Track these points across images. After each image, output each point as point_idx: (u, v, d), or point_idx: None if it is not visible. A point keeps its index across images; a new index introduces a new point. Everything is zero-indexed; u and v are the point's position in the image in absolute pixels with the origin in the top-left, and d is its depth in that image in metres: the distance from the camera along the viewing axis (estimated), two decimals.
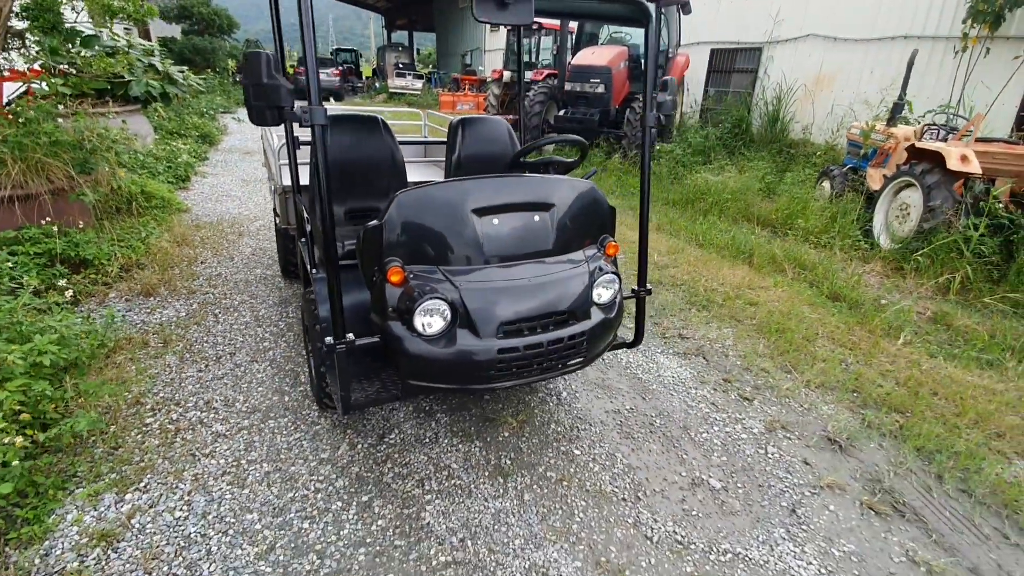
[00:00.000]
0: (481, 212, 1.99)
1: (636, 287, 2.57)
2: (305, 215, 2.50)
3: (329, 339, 1.82)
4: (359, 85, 25.55)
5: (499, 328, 1.91)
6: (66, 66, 7.24)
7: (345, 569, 1.91)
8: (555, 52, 11.09)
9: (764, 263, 4.98)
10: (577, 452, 2.57)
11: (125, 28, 10.07)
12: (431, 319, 1.87)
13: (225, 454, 2.44)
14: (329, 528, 2.07)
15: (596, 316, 2.15)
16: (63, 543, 1.94)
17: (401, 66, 22.98)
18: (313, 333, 2.25)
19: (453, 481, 2.34)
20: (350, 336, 1.87)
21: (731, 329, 3.83)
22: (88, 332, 2.93)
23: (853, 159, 6.69)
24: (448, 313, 1.88)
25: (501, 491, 2.30)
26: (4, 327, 2.52)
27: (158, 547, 1.95)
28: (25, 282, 3.13)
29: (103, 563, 1.88)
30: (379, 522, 2.11)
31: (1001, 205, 4.59)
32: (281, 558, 1.94)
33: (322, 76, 21.01)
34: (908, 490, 2.43)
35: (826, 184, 6.77)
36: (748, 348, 3.57)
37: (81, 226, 4.32)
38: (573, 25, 10.06)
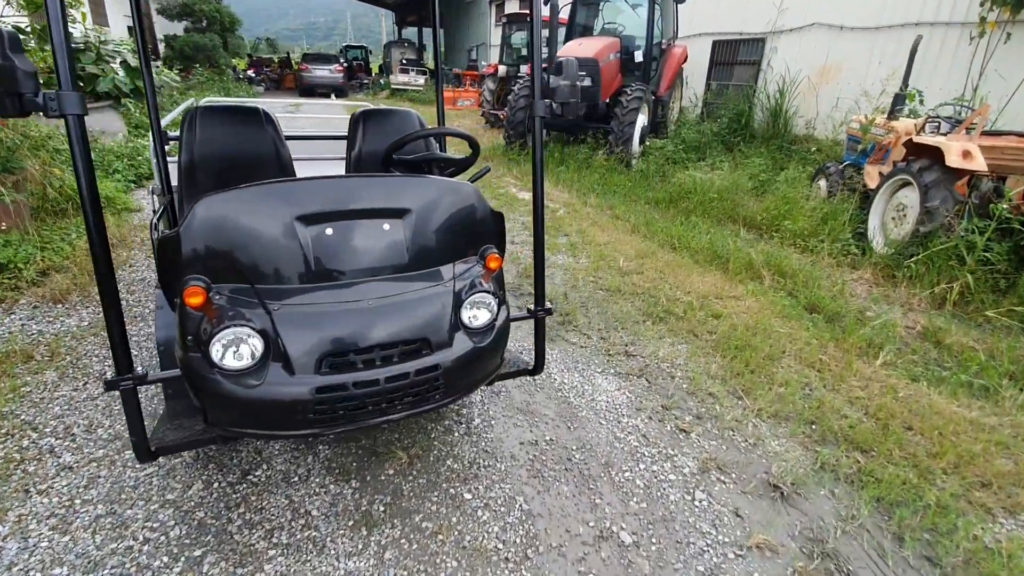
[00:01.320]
0: (310, 220, 1.63)
1: (532, 307, 2.19)
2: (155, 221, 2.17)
3: (110, 374, 1.49)
4: (366, 82, 25.37)
5: (321, 362, 1.56)
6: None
7: None
8: (544, 45, 10.68)
9: (740, 269, 4.54)
10: (468, 496, 2.21)
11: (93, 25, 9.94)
12: (235, 351, 1.52)
13: (61, 491, 2.14)
14: None
15: (462, 344, 1.78)
16: None
17: (405, 62, 22.71)
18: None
19: (308, 532, 1.99)
20: (139, 370, 1.53)
21: (686, 345, 3.42)
22: None
23: (852, 155, 6.17)
24: (258, 344, 1.53)
25: (360, 547, 1.95)
26: None
27: None
28: None
29: None
30: None
31: (1009, 206, 4.08)
32: None
33: (324, 72, 20.90)
34: (856, 554, 2.01)
35: (822, 183, 6.27)
36: (699, 368, 3.16)
37: (3, 227, 4.09)
38: (564, 16, 9.63)
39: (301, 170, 2.80)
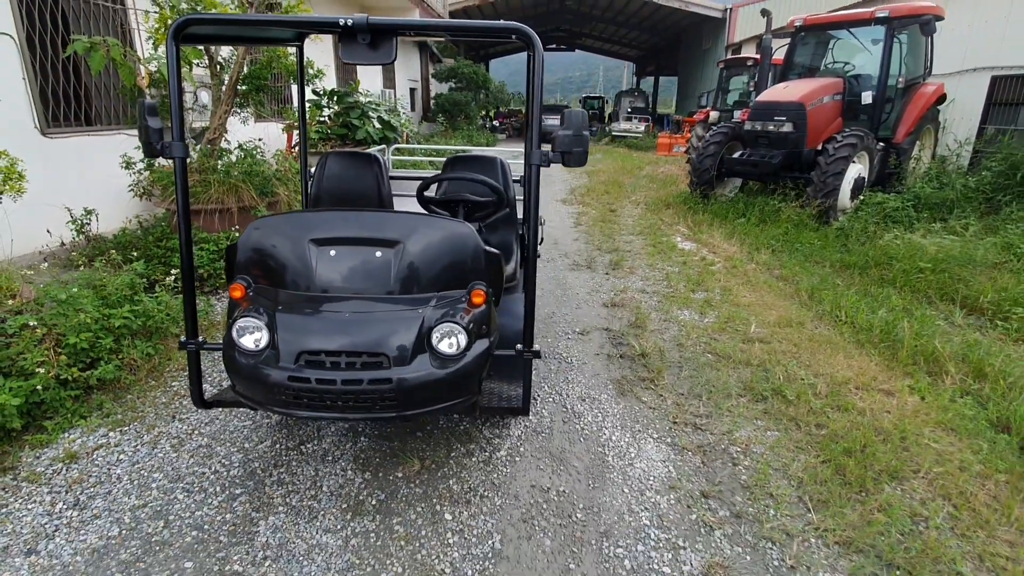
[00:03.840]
0: (320, 243, 2.03)
1: (520, 347, 2.21)
2: None
3: (183, 337, 2.09)
4: (595, 128, 26.85)
5: (299, 356, 1.91)
6: (323, 118, 9.60)
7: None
8: (751, 88, 9.88)
9: (913, 358, 3.57)
10: (448, 517, 2.31)
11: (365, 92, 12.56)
12: (249, 336, 1.98)
13: (192, 421, 2.94)
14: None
15: (422, 366, 1.94)
16: None
17: (631, 110, 23.33)
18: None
19: (311, 502, 2.36)
20: (201, 338, 2.11)
21: (776, 434, 2.88)
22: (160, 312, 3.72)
23: None
24: (264, 334, 1.97)
25: (338, 527, 2.23)
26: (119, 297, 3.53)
27: None
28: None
29: None
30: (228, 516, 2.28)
31: None
32: None
33: (553, 122, 22.87)
34: None
35: None
36: (777, 463, 2.64)
37: None
38: (779, 57, 8.82)
39: (399, 204, 3.32)
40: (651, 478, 2.58)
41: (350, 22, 1.89)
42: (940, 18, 7.42)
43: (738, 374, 3.48)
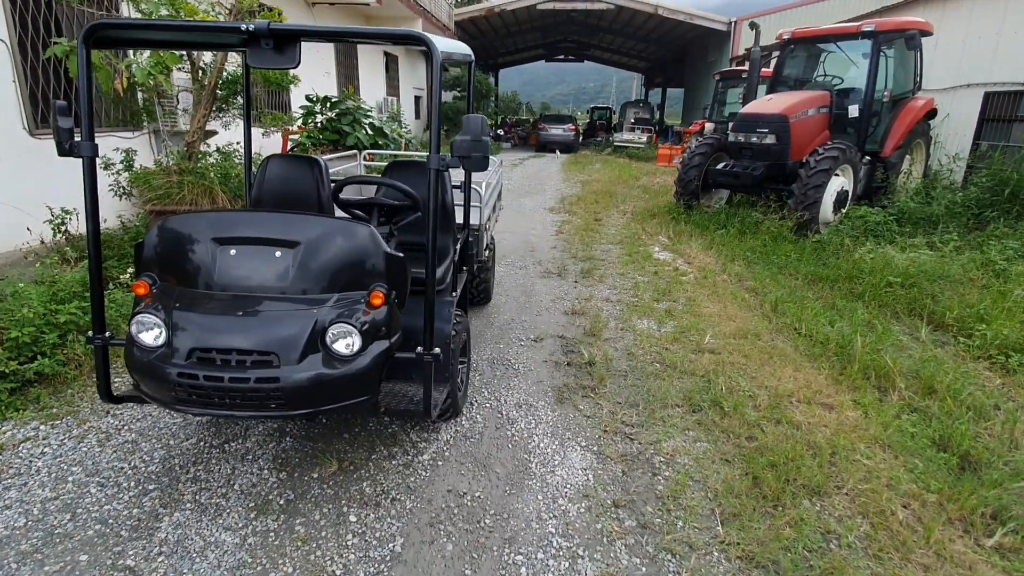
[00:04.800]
0: (222, 241, 2.05)
1: (420, 349, 2.20)
2: None
3: (90, 332, 2.12)
4: (599, 139, 26.88)
5: (191, 353, 1.92)
6: (315, 123, 9.72)
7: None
8: (740, 100, 9.85)
9: (863, 374, 3.51)
10: (353, 519, 2.30)
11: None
12: (148, 332, 2.00)
13: (123, 416, 2.96)
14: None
15: (312, 366, 1.95)
16: None
17: (634, 121, 23.34)
18: None
19: (218, 499, 2.37)
20: (107, 334, 2.14)
21: (706, 445, 2.84)
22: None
23: None
24: (162, 330, 1.99)
25: (239, 525, 2.23)
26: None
27: None
28: None
29: None
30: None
31: None
32: None
33: (558, 131, 22.97)
34: None
35: None
36: (699, 475, 2.60)
37: None
38: (768, 69, 8.78)
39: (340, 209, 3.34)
40: (568, 486, 2.55)
41: (252, 27, 1.92)
42: (927, 33, 7.36)
43: (681, 384, 3.44)
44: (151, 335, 2.00)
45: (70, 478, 2.49)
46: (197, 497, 2.39)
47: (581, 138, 28.04)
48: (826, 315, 4.44)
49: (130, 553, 2.09)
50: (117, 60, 5.39)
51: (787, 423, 2.99)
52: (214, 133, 7.12)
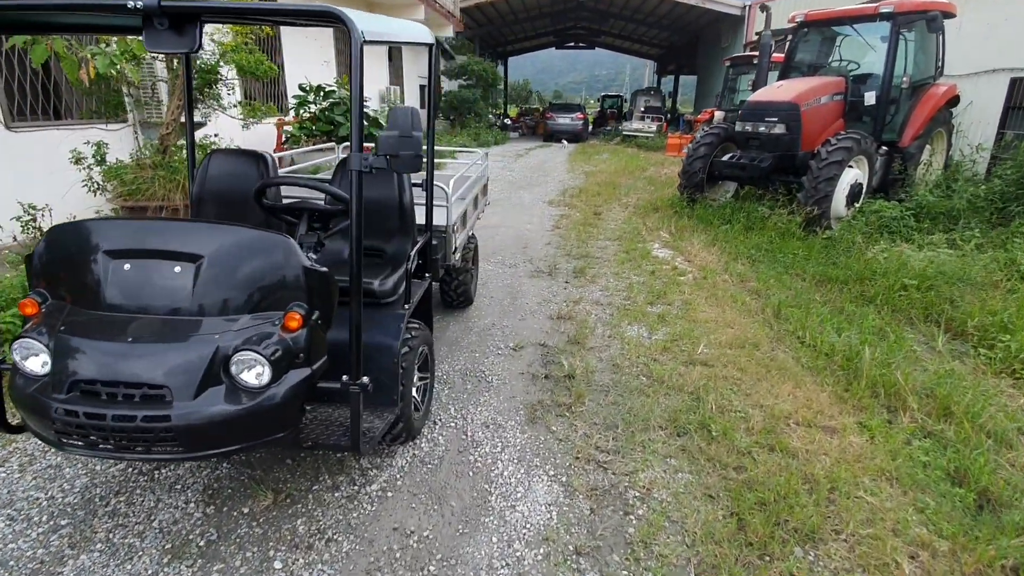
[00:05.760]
0: (115, 255, 1.77)
1: (346, 378, 1.91)
2: None
3: None
4: (608, 128, 26.29)
5: (73, 385, 1.66)
6: (307, 113, 9.44)
7: None
8: (750, 87, 9.35)
9: (872, 391, 3.17)
10: (278, 565, 2.04)
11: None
12: (33, 358, 1.74)
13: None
14: None
15: (212, 401, 1.67)
16: None
17: (644, 109, 22.74)
18: None
19: (134, 539, 2.12)
20: (1, 357, 1.89)
21: (688, 476, 2.53)
22: None
23: None
24: (46, 356, 1.73)
25: (150, 572, 1.98)
26: None
27: None
28: None
29: None
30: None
31: None
32: None
33: (566, 120, 22.44)
34: None
35: None
36: (677, 514, 2.30)
37: None
38: (780, 55, 8.30)
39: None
40: (528, 526, 2.26)
41: (140, 5, 1.63)
42: (950, 15, 6.87)
43: (667, 402, 3.13)
44: (36, 362, 1.75)
45: None
46: (111, 536, 2.14)
47: (591, 127, 27.48)
48: (833, 321, 4.08)
49: None
50: (82, 48, 5.15)
51: (782, 451, 2.67)
52: (203, 124, 6.88)
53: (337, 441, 2.02)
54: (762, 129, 6.86)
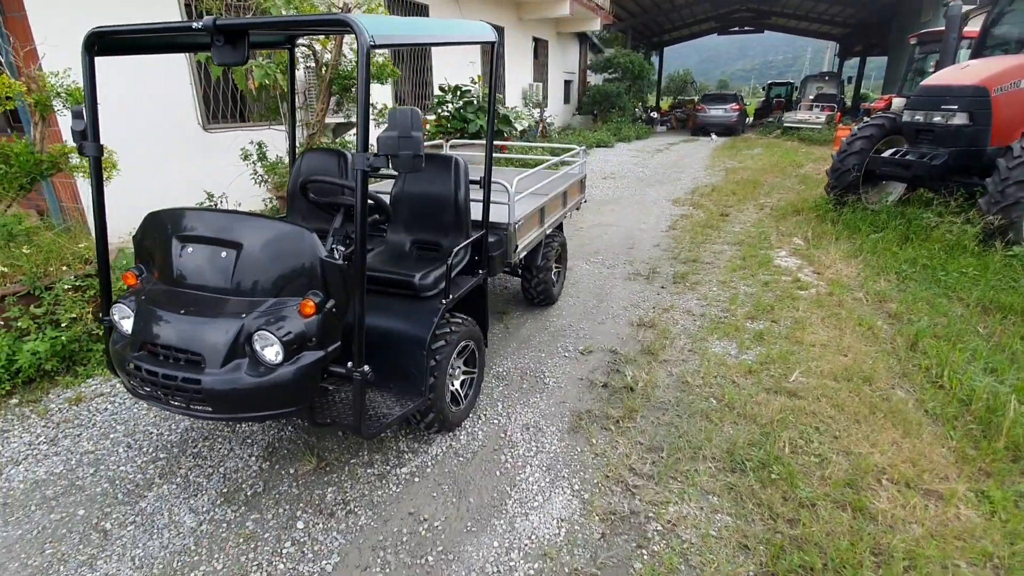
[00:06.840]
0: (182, 239, 2.10)
1: (351, 365, 2.01)
2: None
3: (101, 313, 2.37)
4: (771, 120, 23.80)
5: (142, 345, 2.02)
6: (446, 112, 10.09)
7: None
8: (934, 69, 7.62)
9: (1013, 451, 2.48)
10: (300, 526, 2.26)
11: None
12: (125, 320, 2.15)
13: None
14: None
15: (234, 372, 1.91)
16: None
17: (813, 97, 20.07)
18: None
19: (201, 479, 2.51)
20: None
21: (732, 520, 2.23)
22: None
23: None
24: (131, 320, 2.12)
25: (206, 508, 2.33)
26: None
27: None
28: None
29: None
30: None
31: None
32: None
33: (719, 112, 20.84)
34: None
35: None
36: (699, 561, 2.05)
37: None
38: (973, 28, 6.67)
39: None
40: (532, 537, 2.20)
41: (200, 25, 1.90)
42: None
43: (731, 432, 2.79)
44: (128, 323, 2.16)
45: (111, 435, 2.86)
46: (189, 473, 2.57)
47: (750, 119, 25.09)
48: (988, 360, 3.26)
49: (113, 516, 2.31)
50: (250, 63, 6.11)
51: (857, 510, 2.23)
52: (350, 126, 7.77)
53: (348, 421, 2.17)
54: (937, 119, 5.66)
